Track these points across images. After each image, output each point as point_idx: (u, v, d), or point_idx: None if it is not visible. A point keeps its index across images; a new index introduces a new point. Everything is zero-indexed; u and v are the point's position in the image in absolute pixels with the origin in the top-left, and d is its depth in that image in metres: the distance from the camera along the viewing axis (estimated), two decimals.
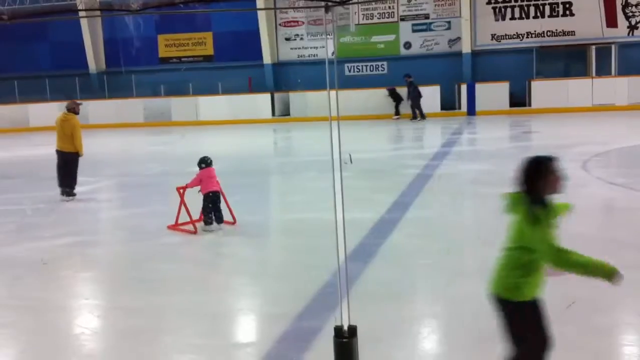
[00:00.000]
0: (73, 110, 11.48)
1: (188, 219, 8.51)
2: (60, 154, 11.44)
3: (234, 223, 8.70)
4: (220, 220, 8.57)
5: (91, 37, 30.30)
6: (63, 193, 11.34)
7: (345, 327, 3.60)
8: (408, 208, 9.44)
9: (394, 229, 8.28)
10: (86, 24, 29.55)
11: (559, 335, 4.83)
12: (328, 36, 27.09)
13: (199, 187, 8.57)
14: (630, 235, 7.60)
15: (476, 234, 8.20)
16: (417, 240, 7.79)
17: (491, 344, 4.76)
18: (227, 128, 25.80)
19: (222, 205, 8.64)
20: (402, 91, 25.05)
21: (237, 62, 28.99)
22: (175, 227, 8.60)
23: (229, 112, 27.37)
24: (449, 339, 4.99)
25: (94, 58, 30.60)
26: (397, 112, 25.09)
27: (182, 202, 8.51)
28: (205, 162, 8.66)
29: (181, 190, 8.55)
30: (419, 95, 24.31)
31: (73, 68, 30.29)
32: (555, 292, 5.74)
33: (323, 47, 27.98)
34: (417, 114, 24.32)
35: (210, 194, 8.50)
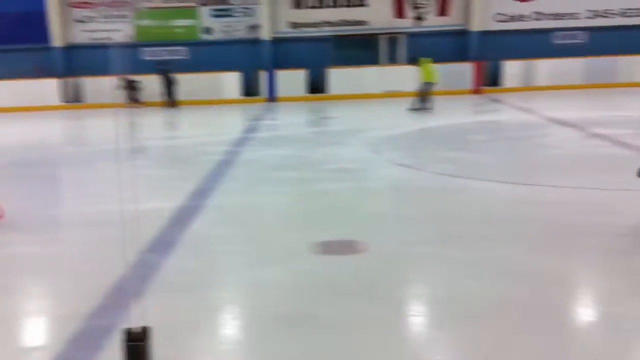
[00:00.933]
0: None
1: None
2: None
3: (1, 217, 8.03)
4: None
5: None
6: None
7: (136, 328, 3.36)
8: (210, 195, 9.29)
9: (195, 217, 8.09)
10: None
11: (361, 311, 5.00)
12: (124, 19, 25.86)
13: None
14: (421, 212, 8.11)
15: (279, 219, 8.27)
16: (220, 228, 7.67)
17: (292, 328, 4.80)
18: (10, 116, 23.73)
19: None
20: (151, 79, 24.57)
21: (22, 45, 26.73)
22: None
23: (13, 99, 25.20)
24: (251, 325, 4.96)
25: None
26: (135, 101, 24.21)
27: None
28: None
29: None
30: (173, 83, 24.17)
31: None
32: (348, 270, 5.97)
33: (118, 30, 26.73)
34: (171, 102, 24.11)
35: None
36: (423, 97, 18.64)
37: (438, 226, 7.46)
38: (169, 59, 25.92)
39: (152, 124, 19.29)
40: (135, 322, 3.42)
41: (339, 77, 24.70)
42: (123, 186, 3.24)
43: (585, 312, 5.19)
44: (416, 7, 25.79)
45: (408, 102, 21.04)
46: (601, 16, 25.31)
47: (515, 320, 4.84)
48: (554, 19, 25.52)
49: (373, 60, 25.64)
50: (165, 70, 23.96)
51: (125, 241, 3.82)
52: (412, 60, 19.85)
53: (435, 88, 19.25)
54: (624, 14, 25.24)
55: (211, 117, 21.55)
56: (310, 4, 26.26)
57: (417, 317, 5.15)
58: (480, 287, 5.51)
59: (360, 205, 8.66)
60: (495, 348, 4.43)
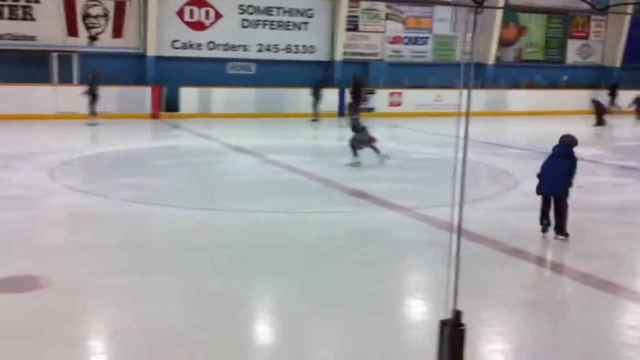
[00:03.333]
0: None
1: None
2: None
3: None
4: None
5: None
6: None
7: None
8: None
9: None
10: None
11: (41, 354, 4.57)
12: None
13: None
14: (107, 241, 7.77)
15: None
16: None
17: None
18: None
19: None
20: None
21: None
22: None
23: None
24: None
25: None
26: None
27: None
28: None
29: None
30: None
31: None
32: (28, 309, 5.45)
33: None
34: None
35: None
36: None
37: (126, 255, 7.24)
38: None
39: None
40: None
41: (3, 95, 22.52)
42: None
43: (271, 331, 5.50)
44: (89, 27, 24.86)
45: (86, 124, 20.22)
46: (268, 50, 27.32)
47: (210, 346, 4.91)
48: (227, 50, 26.78)
49: (44, 79, 23.96)
50: None
51: None
52: None
53: None
54: (288, 49, 27.58)
55: None
56: None
57: (102, 355, 4.90)
58: (173, 315, 5.48)
59: (39, 236, 7.99)
60: None
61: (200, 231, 8.34)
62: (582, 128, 23.29)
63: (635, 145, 17.98)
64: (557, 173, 7.88)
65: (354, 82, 23.85)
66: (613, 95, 28.17)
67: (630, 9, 26.52)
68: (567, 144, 8.05)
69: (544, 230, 8.13)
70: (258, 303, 6.05)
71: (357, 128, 13.46)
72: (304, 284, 6.41)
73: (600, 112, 23.72)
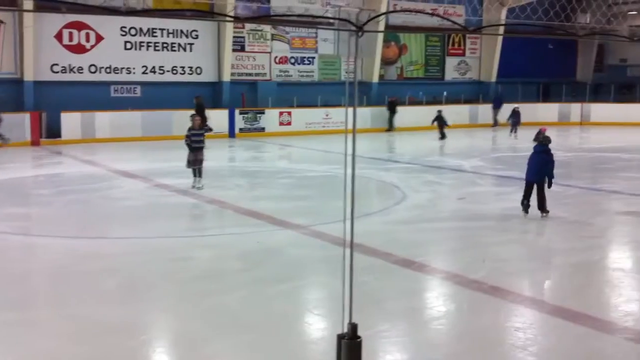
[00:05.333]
0: None
1: None
2: None
3: None
4: None
5: None
6: None
7: None
8: None
9: None
10: None
11: None
12: None
13: None
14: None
15: None
16: None
17: None
18: None
19: None
20: None
21: None
22: None
23: None
24: None
25: None
26: None
27: None
28: None
29: None
30: None
31: None
32: None
33: None
34: None
35: None
36: None
37: (5, 290, 6.81)
38: None
39: None
40: None
41: None
42: None
43: (168, 359, 5.33)
44: None
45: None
46: (154, 72, 26.76)
47: None
48: (110, 73, 26.00)
49: None
50: None
51: None
52: None
53: None
54: (174, 71, 27.14)
55: None
56: None
57: None
58: (63, 349, 5.20)
59: None
60: None
61: (85, 261, 7.98)
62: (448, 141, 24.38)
63: (513, 155, 18.96)
64: (537, 165, 9.86)
65: (197, 103, 22.78)
66: (392, 112, 28.34)
67: (501, 30, 28.09)
68: (543, 142, 9.99)
69: (525, 210, 10.00)
70: (152, 330, 5.85)
71: (192, 147, 13.17)
72: (199, 308, 6.27)
73: (441, 126, 24.38)
